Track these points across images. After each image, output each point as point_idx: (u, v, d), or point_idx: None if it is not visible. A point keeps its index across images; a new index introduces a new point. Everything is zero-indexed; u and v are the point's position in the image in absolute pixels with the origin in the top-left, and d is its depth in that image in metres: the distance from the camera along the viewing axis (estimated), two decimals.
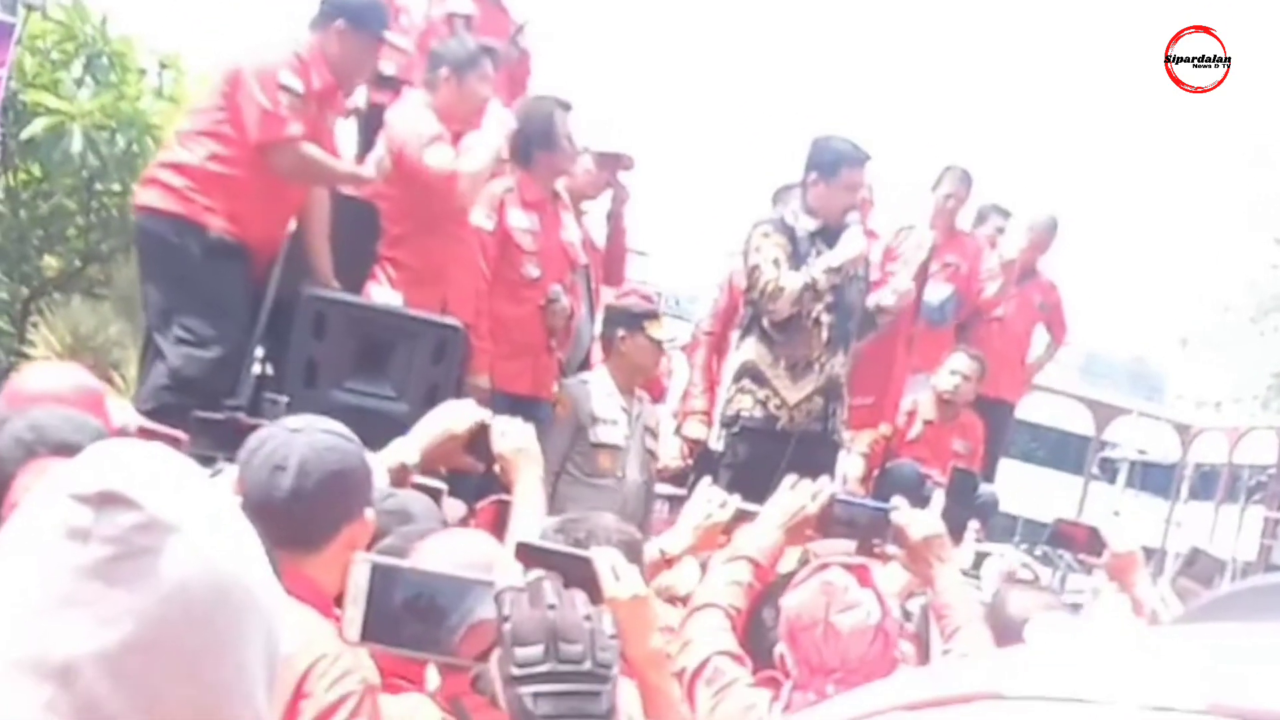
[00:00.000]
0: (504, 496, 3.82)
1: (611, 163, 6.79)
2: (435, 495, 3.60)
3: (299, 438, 2.70)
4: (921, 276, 7.60)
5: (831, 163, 6.36)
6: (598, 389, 6.15)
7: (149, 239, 5.58)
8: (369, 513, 2.74)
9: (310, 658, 2.42)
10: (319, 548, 2.63)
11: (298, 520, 2.58)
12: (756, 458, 6.12)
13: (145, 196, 5.58)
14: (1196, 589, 4.51)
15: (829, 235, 6.33)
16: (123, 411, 4.07)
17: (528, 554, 2.39)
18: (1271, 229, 30.78)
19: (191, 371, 5.28)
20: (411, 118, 5.81)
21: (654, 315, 6.32)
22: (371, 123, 5.98)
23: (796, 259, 6.27)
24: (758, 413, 6.32)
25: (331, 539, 2.66)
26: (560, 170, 6.32)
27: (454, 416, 3.85)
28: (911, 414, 7.73)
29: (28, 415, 3.17)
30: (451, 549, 2.78)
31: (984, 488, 7.92)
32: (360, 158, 5.87)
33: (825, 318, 6.30)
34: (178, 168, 5.47)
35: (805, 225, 6.33)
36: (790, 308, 6.24)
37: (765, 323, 6.32)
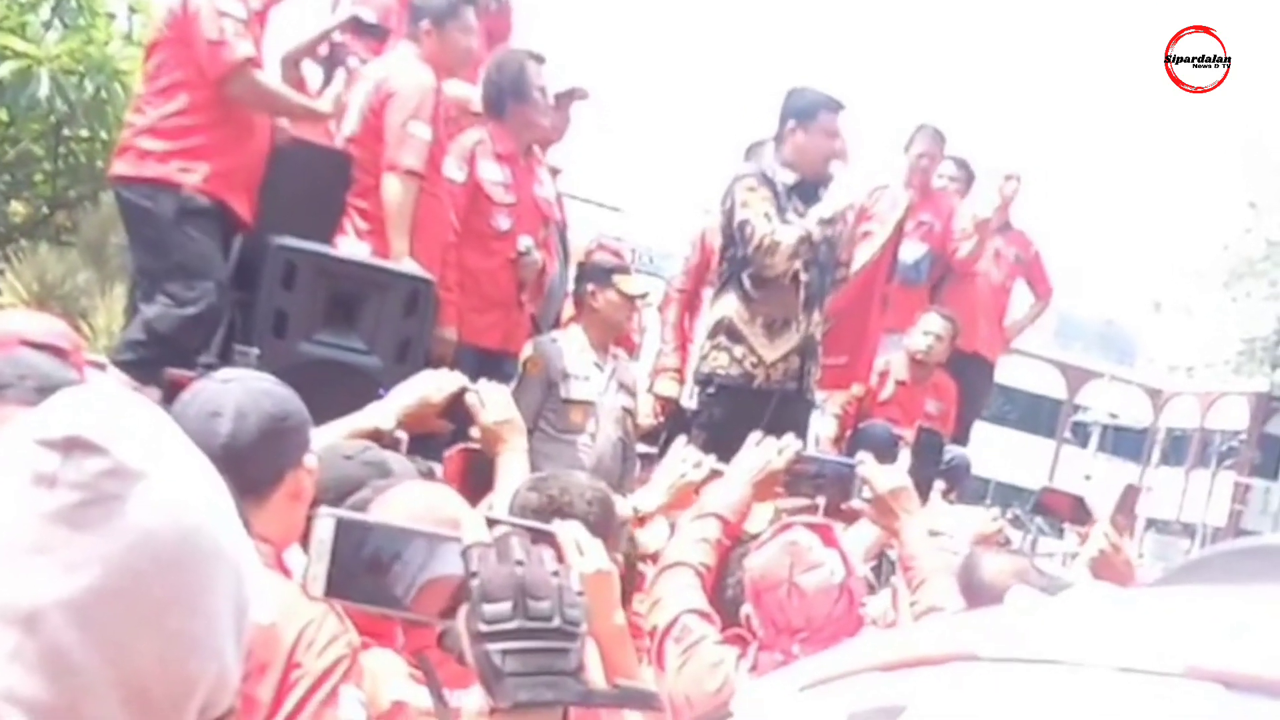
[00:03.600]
0: (472, 445, 3.81)
1: (566, 101, 6.74)
2: (395, 447, 3.58)
3: (232, 386, 2.67)
4: (897, 236, 7.59)
5: (808, 109, 6.32)
6: (570, 345, 6.13)
7: (128, 207, 5.57)
8: (309, 459, 2.71)
9: (296, 627, 2.39)
10: (263, 497, 2.58)
11: (238, 467, 2.52)
12: (732, 416, 6.09)
13: (119, 166, 5.57)
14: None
15: (805, 190, 6.30)
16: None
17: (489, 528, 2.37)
18: (1245, 193, 30.92)
19: (165, 327, 5.29)
20: (410, 82, 5.74)
21: (624, 270, 6.32)
22: (332, 59, 5.94)
23: (779, 213, 6.23)
24: (734, 370, 6.28)
25: (275, 487, 2.61)
26: (533, 123, 6.27)
27: (432, 386, 3.83)
28: (884, 374, 7.73)
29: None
30: (412, 502, 2.76)
31: (956, 451, 7.95)
32: (318, 94, 5.87)
33: (803, 276, 6.27)
34: (149, 131, 5.46)
35: (784, 178, 6.29)
36: (787, 262, 6.19)
37: (745, 280, 6.26)
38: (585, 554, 2.41)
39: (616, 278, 6.16)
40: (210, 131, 5.41)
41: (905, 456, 5.18)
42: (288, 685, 2.38)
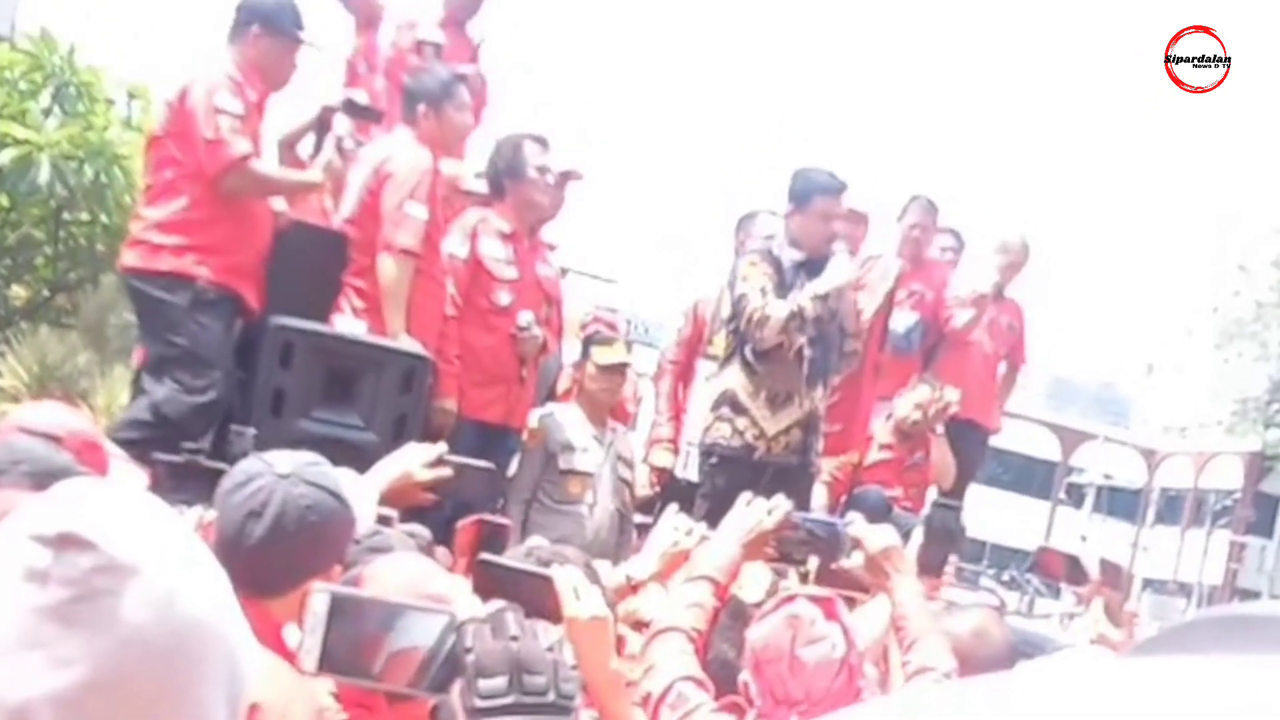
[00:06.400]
0: (486, 517, 3.81)
1: (562, 181, 6.77)
2: (386, 523, 3.58)
3: (282, 486, 2.63)
4: (888, 305, 7.60)
5: (804, 192, 6.38)
6: (568, 418, 6.19)
7: (142, 297, 5.64)
8: (338, 568, 2.70)
9: (280, 706, 2.39)
10: (280, 594, 2.56)
11: (263, 569, 2.51)
12: (734, 487, 6.07)
13: (131, 258, 5.65)
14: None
15: (813, 266, 6.33)
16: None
17: (489, 571, 2.37)
18: (1235, 256, 31.08)
19: (172, 411, 5.34)
20: (407, 163, 5.79)
21: (604, 340, 6.36)
22: (321, 125, 6.01)
23: (782, 289, 6.27)
24: (735, 442, 6.30)
25: (295, 588, 2.56)
26: (532, 202, 6.31)
27: (416, 461, 3.84)
28: (868, 439, 7.71)
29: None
30: (399, 575, 2.75)
31: None
32: (309, 161, 5.94)
33: (807, 351, 6.29)
34: (160, 226, 5.54)
35: (790, 256, 6.34)
36: (776, 336, 6.23)
37: (748, 353, 6.29)
38: (582, 599, 2.42)
39: (593, 349, 6.22)
40: (218, 226, 5.51)
41: (918, 534, 5.17)
42: None
